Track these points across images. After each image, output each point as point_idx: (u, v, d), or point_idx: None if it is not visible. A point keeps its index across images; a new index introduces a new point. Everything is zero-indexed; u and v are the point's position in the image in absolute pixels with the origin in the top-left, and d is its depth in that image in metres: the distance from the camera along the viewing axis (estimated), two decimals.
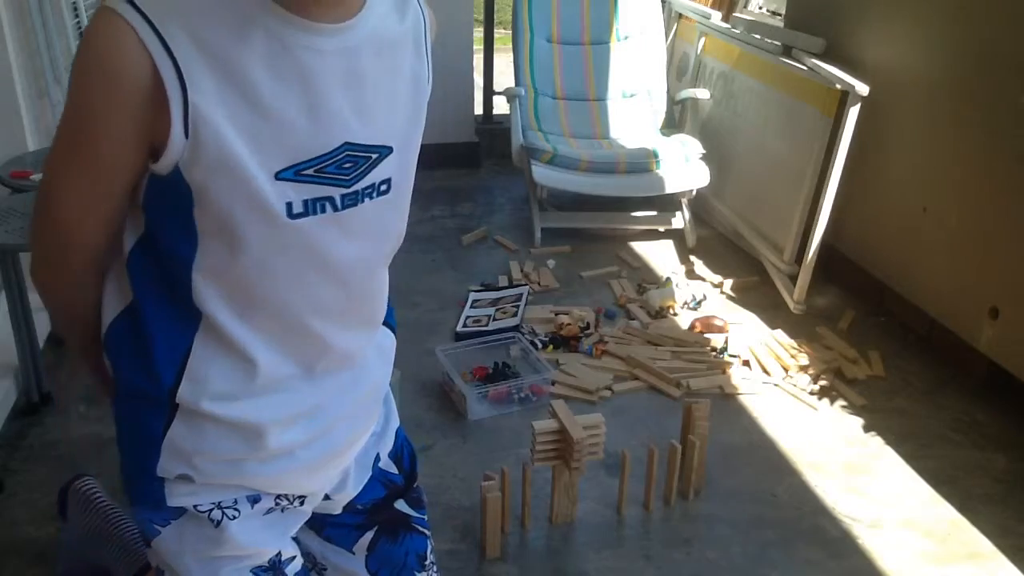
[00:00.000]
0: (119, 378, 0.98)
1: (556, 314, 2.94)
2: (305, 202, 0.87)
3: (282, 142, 0.85)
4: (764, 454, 2.31)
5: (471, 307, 3.00)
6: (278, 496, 1.05)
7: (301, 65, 0.84)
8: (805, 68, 3.13)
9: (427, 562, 1.26)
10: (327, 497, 1.12)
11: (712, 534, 2.01)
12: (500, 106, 4.60)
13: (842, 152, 2.89)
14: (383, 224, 0.98)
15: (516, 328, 2.80)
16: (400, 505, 1.22)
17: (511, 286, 3.16)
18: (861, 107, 2.84)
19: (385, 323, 1.12)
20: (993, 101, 2.51)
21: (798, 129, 3.18)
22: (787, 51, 3.31)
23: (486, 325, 2.85)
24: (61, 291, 0.98)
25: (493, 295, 3.07)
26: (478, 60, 4.59)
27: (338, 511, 1.17)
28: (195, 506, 0.99)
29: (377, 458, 1.19)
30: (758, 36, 3.57)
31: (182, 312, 0.92)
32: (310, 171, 0.87)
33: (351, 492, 1.15)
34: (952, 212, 2.69)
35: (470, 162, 4.50)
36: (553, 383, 2.54)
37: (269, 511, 1.05)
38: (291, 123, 0.85)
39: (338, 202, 0.90)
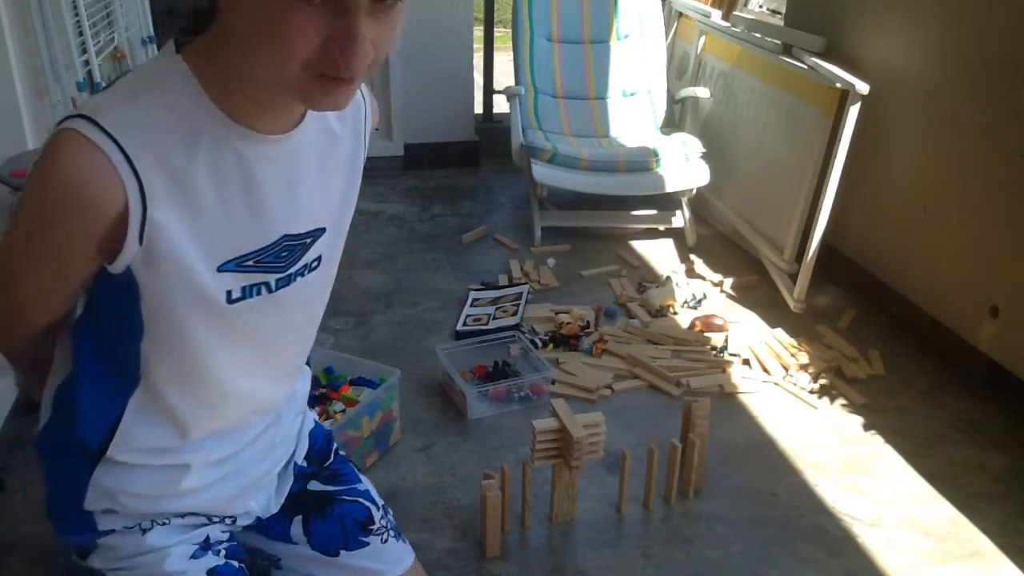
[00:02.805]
0: (47, 430, 1.05)
1: (556, 313, 2.94)
2: (243, 288, 0.95)
3: (226, 240, 0.92)
4: (764, 453, 2.31)
5: (471, 306, 3.00)
6: (210, 516, 1.12)
7: (245, 171, 0.90)
8: (805, 67, 3.12)
9: (374, 526, 1.26)
10: (257, 518, 1.19)
11: (712, 533, 2.01)
12: (500, 105, 4.60)
13: (842, 151, 2.89)
14: (311, 295, 1.07)
15: (516, 327, 2.80)
16: (313, 486, 1.26)
17: (511, 285, 3.16)
18: (861, 106, 2.84)
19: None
20: (993, 100, 2.51)
21: (798, 128, 3.18)
22: (787, 50, 3.30)
23: (486, 324, 2.85)
24: (8, 353, 1.07)
25: (493, 294, 3.07)
26: (478, 59, 4.59)
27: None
28: (124, 526, 1.06)
29: (296, 466, 1.24)
30: (758, 35, 3.57)
31: (119, 380, 0.99)
32: (250, 262, 0.94)
33: (274, 510, 1.21)
34: (952, 211, 2.69)
35: (470, 161, 4.50)
36: (553, 382, 2.53)
37: (199, 525, 1.12)
38: (235, 223, 0.91)
39: (273, 285, 0.98)
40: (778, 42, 3.37)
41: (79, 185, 0.82)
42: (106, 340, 0.97)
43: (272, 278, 0.97)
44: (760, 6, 4.60)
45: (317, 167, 0.98)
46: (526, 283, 3.16)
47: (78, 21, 2.89)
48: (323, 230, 1.01)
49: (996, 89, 2.49)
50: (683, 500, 2.12)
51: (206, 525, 1.12)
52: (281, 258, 0.97)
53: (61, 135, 0.82)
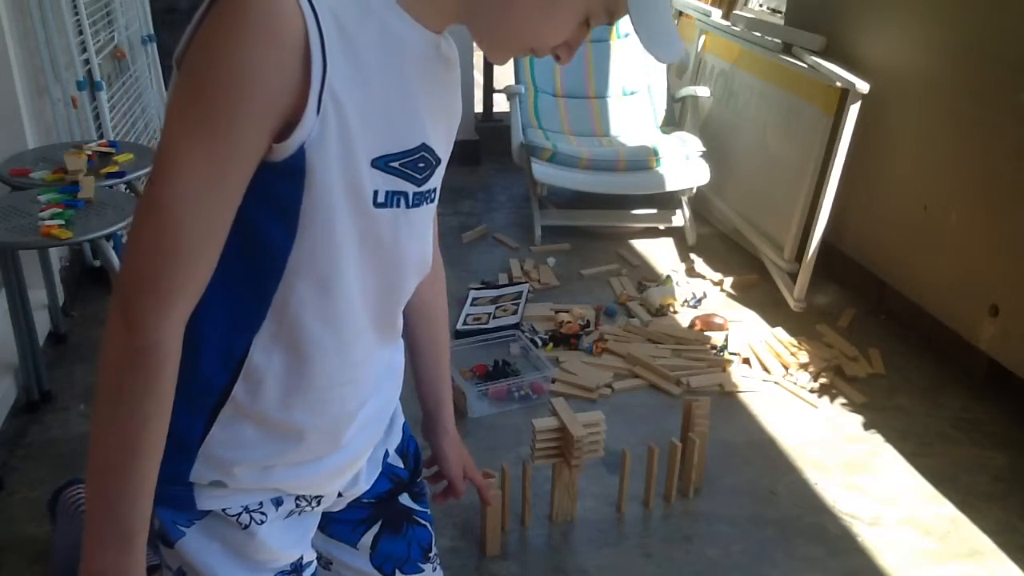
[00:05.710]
0: None
1: (556, 312, 2.95)
2: (387, 193, 0.91)
3: (381, 130, 0.87)
4: (764, 452, 2.31)
5: (471, 305, 3.00)
6: (298, 498, 1.06)
7: (402, 60, 0.88)
8: (805, 66, 3.12)
9: (431, 554, 1.26)
10: (339, 495, 1.14)
11: (712, 532, 2.02)
12: (500, 104, 4.60)
13: (842, 150, 2.89)
14: (425, 231, 1.02)
15: (516, 326, 2.80)
16: (404, 499, 1.23)
17: (511, 284, 3.16)
18: (861, 105, 2.84)
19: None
20: (993, 99, 2.51)
21: (798, 127, 3.18)
22: (787, 49, 3.30)
23: (486, 323, 2.85)
24: (159, 332, 0.82)
25: (493, 293, 3.07)
26: (478, 58, 4.59)
27: (343, 507, 1.18)
28: (224, 509, 0.99)
29: (386, 454, 1.21)
30: (758, 34, 3.57)
31: (250, 311, 0.91)
32: (396, 164, 0.90)
33: (363, 487, 1.16)
34: (952, 210, 2.69)
35: (470, 160, 4.50)
36: (553, 381, 2.53)
37: (290, 514, 1.06)
38: (389, 112, 0.88)
39: (410, 198, 0.94)
40: (778, 41, 3.37)
41: (264, 17, 0.76)
42: (250, 259, 0.88)
43: (410, 189, 0.93)
44: (760, 5, 4.60)
45: (444, 86, 0.96)
46: (526, 282, 3.16)
47: (78, 20, 2.89)
48: (440, 160, 0.97)
49: (996, 87, 2.49)
50: (683, 499, 2.12)
51: (293, 513, 1.05)
52: (418, 169, 0.93)
53: None
